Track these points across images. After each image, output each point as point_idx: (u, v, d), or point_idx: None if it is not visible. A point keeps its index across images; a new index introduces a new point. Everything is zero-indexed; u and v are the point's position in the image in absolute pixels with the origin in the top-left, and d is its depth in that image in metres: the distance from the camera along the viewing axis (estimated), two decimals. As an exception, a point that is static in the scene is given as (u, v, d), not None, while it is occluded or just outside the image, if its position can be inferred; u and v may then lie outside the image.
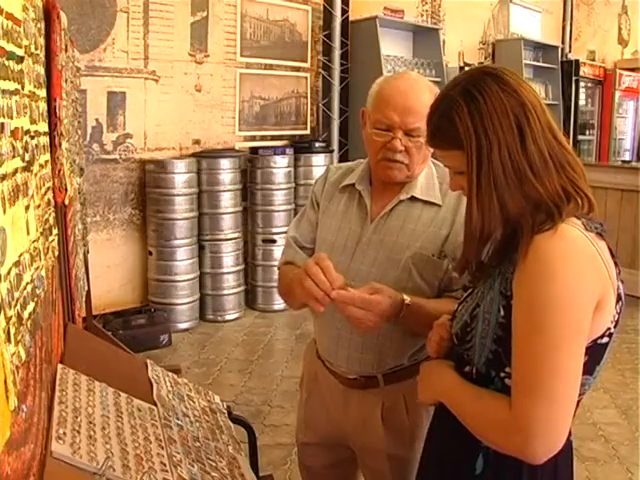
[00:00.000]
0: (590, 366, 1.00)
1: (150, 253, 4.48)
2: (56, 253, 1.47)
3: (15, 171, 0.94)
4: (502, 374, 1.02)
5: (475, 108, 0.99)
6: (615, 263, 1.01)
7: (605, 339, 1.00)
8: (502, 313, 1.01)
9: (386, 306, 1.25)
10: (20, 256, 0.93)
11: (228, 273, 4.68)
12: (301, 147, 5.13)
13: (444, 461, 1.16)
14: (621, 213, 5.35)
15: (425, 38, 6.01)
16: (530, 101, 1.01)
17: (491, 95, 1.00)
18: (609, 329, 1.00)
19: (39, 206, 1.20)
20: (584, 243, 0.97)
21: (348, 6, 5.57)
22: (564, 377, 0.93)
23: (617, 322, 1.01)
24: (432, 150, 1.22)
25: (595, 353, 1.00)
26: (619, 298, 1.01)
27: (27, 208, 1.03)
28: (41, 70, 1.36)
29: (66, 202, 1.76)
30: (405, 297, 1.29)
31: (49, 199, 1.41)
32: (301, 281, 1.25)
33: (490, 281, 1.06)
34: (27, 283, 0.97)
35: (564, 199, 1.00)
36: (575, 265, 0.94)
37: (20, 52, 1.04)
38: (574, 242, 0.96)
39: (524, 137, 0.99)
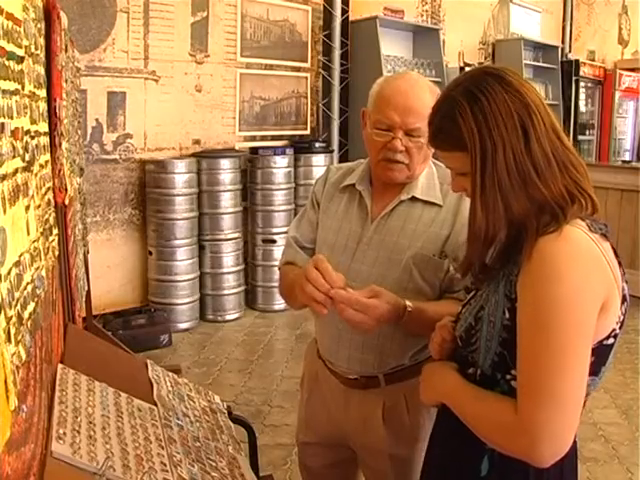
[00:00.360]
0: (596, 367, 0.99)
1: (150, 253, 4.48)
2: (56, 253, 1.47)
3: (15, 171, 0.94)
4: (508, 376, 1.02)
5: (478, 109, 0.99)
6: (619, 264, 1.01)
7: (611, 340, 1.00)
8: (507, 316, 1.01)
9: (383, 311, 1.25)
10: (20, 256, 0.93)
11: (228, 273, 4.68)
12: (301, 147, 5.13)
13: (448, 462, 1.15)
14: (621, 213, 5.35)
15: (425, 38, 6.01)
16: (533, 101, 1.00)
17: (494, 96, 0.99)
18: (614, 330, 1.00)
19: (39, 206, 1.20)
20: (589, 245, 0.96)
21: (348, 6, 5.57)
22: (570, 379, 0.93)
23: (622, 323, 1.01)
24: (433, 150, 1.22)
25: (601, 354, 1.00)
26: (624, 299, 1.00)
27: (27, 208, 1.03)
28: (41, 70, 1.36)
29: (66, 202, 1.76)
30: (408, 303, 1.29)
31: (49, 199, 1.41)
32: (302, 286, 1.25)
33: (494, 283, 1.05)
34: (27, 283, 0.97)
35: (568, 200, 0.99)
36: (580, 267, 0.94)
37: (20, 52, 1.04)
38: (579, 244, 0.96)
39: (528, 138, 0.98)
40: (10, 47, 0.95)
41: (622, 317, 1.01)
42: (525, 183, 0.98)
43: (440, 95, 1.11)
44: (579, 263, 0.94)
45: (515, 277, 1.00)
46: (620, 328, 1.01)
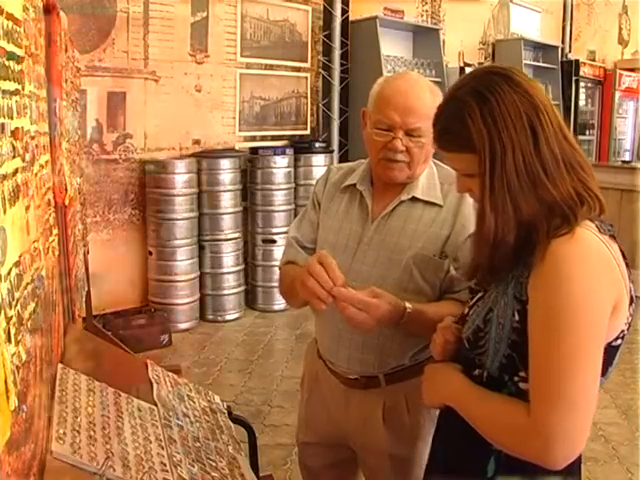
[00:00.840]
0: (603, 368, 0.98)
1: (150, 253, 4.48)
2: (56, 253, 1.47)
3: (15, 171, 0.94)
4: (516, 378, 1.01)
5: (488, 110, 0.98)
6: (626, 264, 1.00)
7: (619, 341, 1.00)
8: (517, 318, 1.00)
9: (384, 311, 1.25)
10: (20, 256, 0.93)
11: (228, 273, 4.68)
12: (301, 147, 5.13)
13: (453, 464, 1.13)
14: (621, 213, 5.35)
15: (425, 38, 6.02)
16: (542, 102, 0.99)
17: (503, 96, 0.98)
18: (623, 331, 1.00)
19: (39, 206, 1.20)
20: (599, 247, 0.96)
21: (348, 6, 5.57)
22: (582, 380, 0.93)
23: (630, 324, 1.01)
24: (433, 150, 1.21)
25: (609, 355, 0.99)
26: (631, 300, 1.00)
27: (27, 208, 1.03)
28: (41, 70, 1.36)
29: (66, 202, 1.76)
30: (407, 305, 1.29)
31: (49, 199, 1.41)
32: (304, 280, 1.25)
33: (503, 285, 1.04)
34: (27, 283, 0.97)
35: (577, 201, 0.99)
36: (592, 269, 0.94)
37: (20, 52, 1.04)
38: (590, 246, 0.95)
39: (537, 139, 0.97)
40: (10, 47, 0.95)
41: (630, 318, 1.00)
42: (534, 184, 0.97)
43: (445, 95, 1.09)
44: (591, 265, 0.94)
45: (525, 279, 0.99)
46: (628, 329, 1.00)
